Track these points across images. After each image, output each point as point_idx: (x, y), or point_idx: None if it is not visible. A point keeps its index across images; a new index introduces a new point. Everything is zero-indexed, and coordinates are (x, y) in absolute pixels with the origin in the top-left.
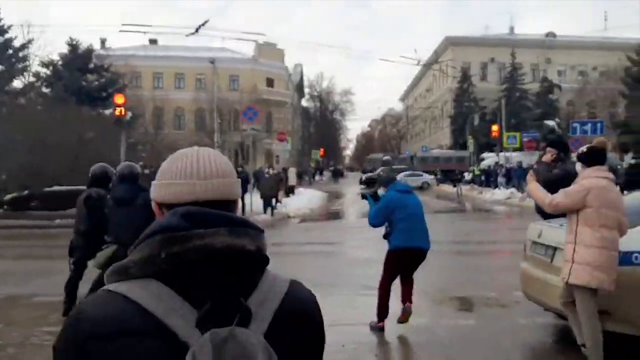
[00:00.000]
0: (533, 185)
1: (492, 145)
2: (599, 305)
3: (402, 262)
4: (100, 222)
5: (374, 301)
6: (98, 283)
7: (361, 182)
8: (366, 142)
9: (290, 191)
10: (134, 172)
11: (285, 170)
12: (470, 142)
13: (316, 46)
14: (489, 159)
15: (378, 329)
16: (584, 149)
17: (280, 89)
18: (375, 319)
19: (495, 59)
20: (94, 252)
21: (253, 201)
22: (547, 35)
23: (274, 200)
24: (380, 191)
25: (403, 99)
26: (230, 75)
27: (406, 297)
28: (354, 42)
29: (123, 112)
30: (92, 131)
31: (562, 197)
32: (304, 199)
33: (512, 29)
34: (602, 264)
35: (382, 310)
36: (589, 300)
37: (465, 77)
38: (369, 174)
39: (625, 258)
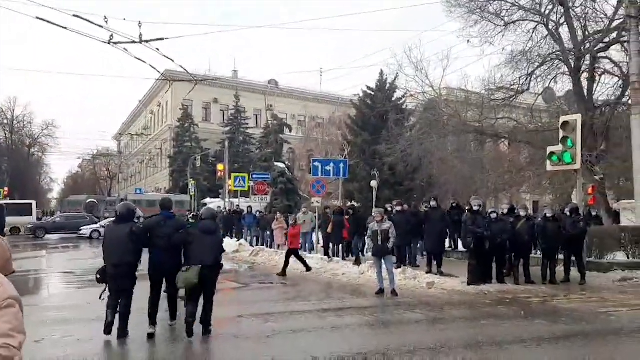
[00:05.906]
0: None
1: (215, 189)
2: None
3: None
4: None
5: None
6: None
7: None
8: (74, 184)
9: None
10: (214, 213)
11: None
12: (192, 185)
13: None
14: (212, 204)
15: None
16: None
17: None
18: None
19: (218, 100)
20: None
21: None
22: (270, 82)
23: None
24: None
25: (117, 137)
26: None
27: None
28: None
29: None
30: None
31: None
32: None
33: (235, 72)
34: None
35: None
36: None
37: (186, 115)
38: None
39: None
